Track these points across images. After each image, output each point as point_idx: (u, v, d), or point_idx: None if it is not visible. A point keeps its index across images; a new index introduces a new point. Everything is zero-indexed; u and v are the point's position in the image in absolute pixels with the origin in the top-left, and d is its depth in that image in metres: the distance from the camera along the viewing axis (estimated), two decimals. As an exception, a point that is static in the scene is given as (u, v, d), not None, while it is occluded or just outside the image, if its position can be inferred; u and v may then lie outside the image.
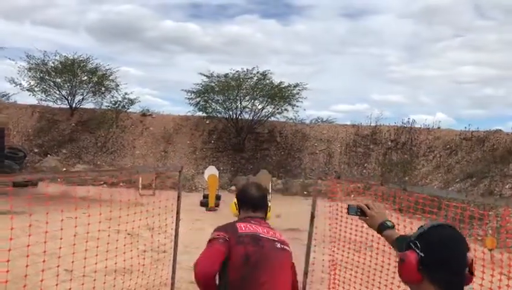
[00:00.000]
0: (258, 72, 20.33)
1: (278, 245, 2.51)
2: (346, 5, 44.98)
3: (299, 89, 20.28)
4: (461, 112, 43.56)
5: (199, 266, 2.28)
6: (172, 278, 4.90)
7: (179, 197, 4.70)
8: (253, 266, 2.36)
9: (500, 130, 18.14)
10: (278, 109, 20.45)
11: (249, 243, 2.39)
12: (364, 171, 19.40)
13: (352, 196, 15.31)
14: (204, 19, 53.66)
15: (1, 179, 4.97)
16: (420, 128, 20.53)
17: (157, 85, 52.23)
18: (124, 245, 5.18)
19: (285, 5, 45.14)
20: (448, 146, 18.58)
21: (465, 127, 19.17)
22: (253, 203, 2.64)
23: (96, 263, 4.51)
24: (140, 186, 14.73)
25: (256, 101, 20.33)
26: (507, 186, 13.88)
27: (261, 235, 2.46)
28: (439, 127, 20.57)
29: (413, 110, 57.67)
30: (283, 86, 20.51)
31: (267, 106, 20.46)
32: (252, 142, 21.14)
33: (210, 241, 2.40)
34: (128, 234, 6.40)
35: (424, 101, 38.60)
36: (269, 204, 2.74)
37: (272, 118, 21.08)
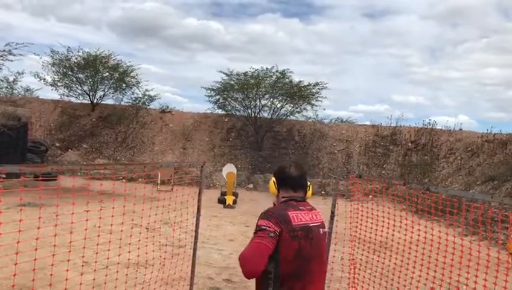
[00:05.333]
0: (277, 71, 20.33)
1: (321, 231, 2.49)
2: (368, 5, 44.67)
3: (318, 88, 20.22)
4: (484, 114, 42.84)
5: (248, 266, 2.21)
6: (192, 272, 4.94)
7: (200, 193, 4.72)
8: (305, 259, 2.35)
9: (523, 133, 17.77)
10: (297, 108, 20.40)
11: (302, 237, 2.35)
12: (383, 172, 19.22)
13: (370, 196, 15.18)
14: (226, 17, 53.87)
15: (24, 170, 5.07)
16: (441, 129, 20.26)
17: (178, 82, 52.67)
18: (146, 238, 5.24)
19: (306, 5, 45.02)
20: (469, 148, 18.29)
21: (487, 130, 18.86)
22: (293, 183, 2.55)
23: (118, 255, 4.58)
24: (159, 181, 14.86)
25: (275, 100, 20.32)
26: (530, 190, 13.60)
27: (310, 225, 2.42)
28: (460, 129, 20.26)
29: (434, 112, 56.88)
30: (302, 85, 20.46)
31: (286, 104, 20.45)
32: (270, 141, 21.13)
33: (259, 232, 2.30)
34: (146, 228, 6.48)
35: (446, 103, 38.04)
36: (309, 183, 2.64)
37: (291, 117, 21.06)
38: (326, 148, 20.90)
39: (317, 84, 20.29)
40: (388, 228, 4.74)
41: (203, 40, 43.34)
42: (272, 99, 20.33)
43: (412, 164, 19.04)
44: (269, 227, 2.29)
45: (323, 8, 48.16)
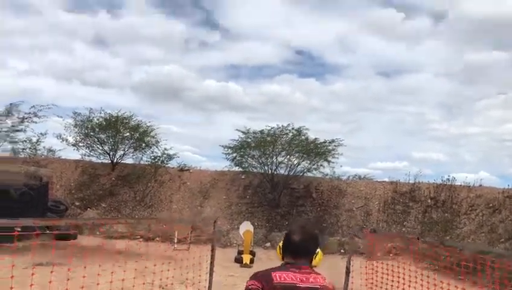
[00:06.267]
0: (293, 128, 20.60)
1: None
2: (383, 64, 45.65)
3: (335, 145, 20.32)
4: (505, 170, 42.25)
5: None
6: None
7: (213, 249, 4.74)
8: None
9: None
10: (313, 165, 20.44)
11: None
12: (403, 229, 18.82)
13: (391, 255, 14.82)
14: (244, 78, 55.46)
15: (38, 224, 5.17)
16: (461, 185, 19.95)
17: (197, 142, 53.56)
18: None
19: (321, 65, 46.16)
20: (491, 204, 17.88)
21: (508, 185, 18.50)
22: (292, 249, 2.49)
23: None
24: (175, 240, 14.81)
25: (292, 157, 20.42)
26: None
27: (298, 285, 2.34)
28: (480, 185, 19.91)
29: (454, 169, 56.12)
30: (318, 142, 20.61)
31: (302, 161, 20.52)
32: (288, 198, 21.04)
33: None
34: (162, 288, 6.43)
35: (466, 159, 37.72)
36: (318, 250, 2.61)
37: (308, 174, 21.05)
38: (344, 206, 20.66)
39: (333, 141, 20.45)
40: (404, 284, 4.64)
41: (223, 100, 44.58)
42: (288, 156, 20.47)
43: (433, 221, 18.63)
44: (252, 285, 2.35)
45: (338, 67, 49.35)
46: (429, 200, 19.74)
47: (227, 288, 9.79)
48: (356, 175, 25.89)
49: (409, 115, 40.92)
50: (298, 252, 2.49)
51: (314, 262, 2.58)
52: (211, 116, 45.70)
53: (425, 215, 19.08)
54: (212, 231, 4.85)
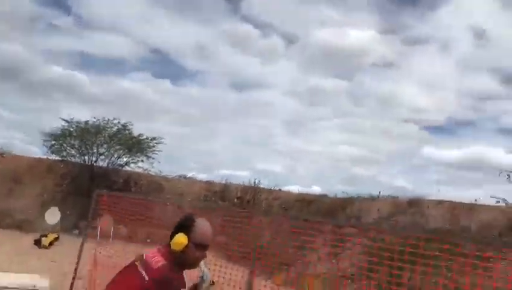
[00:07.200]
0: (118, 122, 21.27)
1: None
2: (237, 76, 47.91)
3: (155, 142, 21.56)
4: (335, 187, 48.56)
5: None
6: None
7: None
8: None
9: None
10: (133, 160, 21.36)
11: None
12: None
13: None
14: (94, 69, 52.68)
15: None
16: (264, 188, 22.89)
17: (30, 129, 49.01)
18: None
19: (178, 67, 46.52)
20: (283, 205, 21.02)
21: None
22: None
23: None
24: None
25: (112, 149, 21.06)
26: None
27: None
28: (280, 189, 23.15)
29: (290, 181, 61.25)
30: (141, 138, 21.63)
31: (123, 155, 21.29)
32: (106, 190, 21.47)
33: None
34: None
35: (301, 174, 41.73)
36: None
37: (127, 168, 21.87)
38: (160, 199, 21.99)
39: (154, 138, 21.67)
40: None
41: (67, 90, 41.53)
42: (110, 149, 21.04)
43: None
44: None
45: (193, 73, 50.12)
46: (235, 199, 22.23)
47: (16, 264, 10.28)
48: (178, 174, 27.47)
49: (257, 128, 43.67)
50: None
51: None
52: (50, 104, 42.47)
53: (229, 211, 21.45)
54: None
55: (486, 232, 11.27)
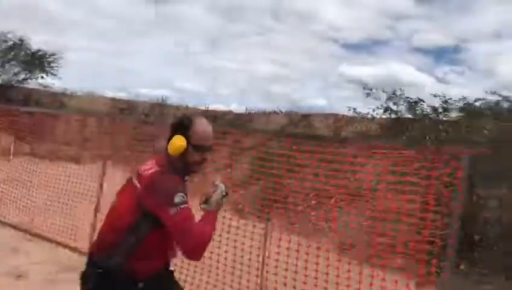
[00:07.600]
0: (14, 36, 20.12)
1: None
2: None
3: (55, 58, 20.85)
4: (254, 104, 48.99)
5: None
6: None
7: None
8: None
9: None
10: (32, 76, 20.63)
11: None
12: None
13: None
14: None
15: None
16: (172, 105, 23.40)
17: None
18: None
19: None
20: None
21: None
22: None
23: None
24: None
25: (7, 66, 20.12)
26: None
27: None
28: (187, 106, 23.79)
29: (211, 100, 60.22)
30: (40, 54, 20.76)
31: (21, 71, 20.45)
32: (4, 108, 20.74)
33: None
34: None
35: (221, 92, 41.22)
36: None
37: (27, 85, 21.12)
38: (63, 117, 21.73)
39: (53, 54, 20.92)
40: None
41: None
42: (4, 65, 20.05)
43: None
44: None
45: None
46: (142, 116, 22.62)
47: None
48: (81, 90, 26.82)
49: (176, 45, 41.76)
50: None
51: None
52: None
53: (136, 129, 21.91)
54: None
55: (360, 139, 13.08)
